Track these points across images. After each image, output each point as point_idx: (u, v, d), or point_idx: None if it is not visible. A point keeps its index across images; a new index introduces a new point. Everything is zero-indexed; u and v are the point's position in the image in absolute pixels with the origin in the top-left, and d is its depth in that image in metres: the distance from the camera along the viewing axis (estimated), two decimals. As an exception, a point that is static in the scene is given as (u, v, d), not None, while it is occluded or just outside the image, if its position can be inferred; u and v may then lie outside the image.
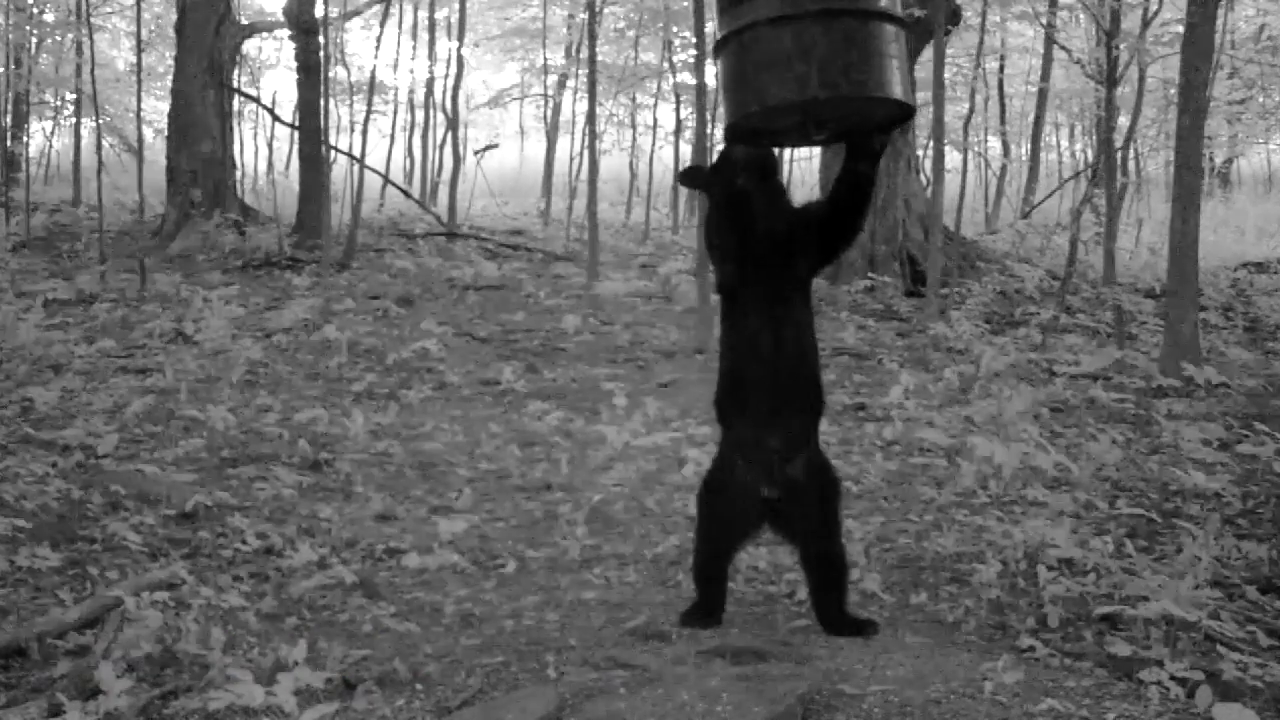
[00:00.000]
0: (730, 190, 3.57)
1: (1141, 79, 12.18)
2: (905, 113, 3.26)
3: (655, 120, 19.97)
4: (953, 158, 18.25)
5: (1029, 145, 18.65)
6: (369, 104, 15.22)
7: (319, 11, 13.21)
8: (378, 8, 16.52)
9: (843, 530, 3.83)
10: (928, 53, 11.21)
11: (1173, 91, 13.45)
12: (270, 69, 22.14)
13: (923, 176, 13.19)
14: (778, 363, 3.56)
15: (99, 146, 13.56)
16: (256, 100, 17.92)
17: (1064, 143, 23.68)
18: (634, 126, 20.00)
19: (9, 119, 17.00)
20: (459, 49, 18.20)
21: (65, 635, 3.62)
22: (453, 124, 17.42)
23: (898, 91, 3.13)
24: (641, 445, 6.10)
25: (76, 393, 6.97)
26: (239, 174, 15.02)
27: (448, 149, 17.60)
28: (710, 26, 9.83)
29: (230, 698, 3.03)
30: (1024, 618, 3.86)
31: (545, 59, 19.62)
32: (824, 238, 3.59)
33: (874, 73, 3.08)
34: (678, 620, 3.76)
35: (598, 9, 12.63)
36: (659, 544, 4.69)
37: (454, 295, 10.91)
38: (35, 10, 17.80)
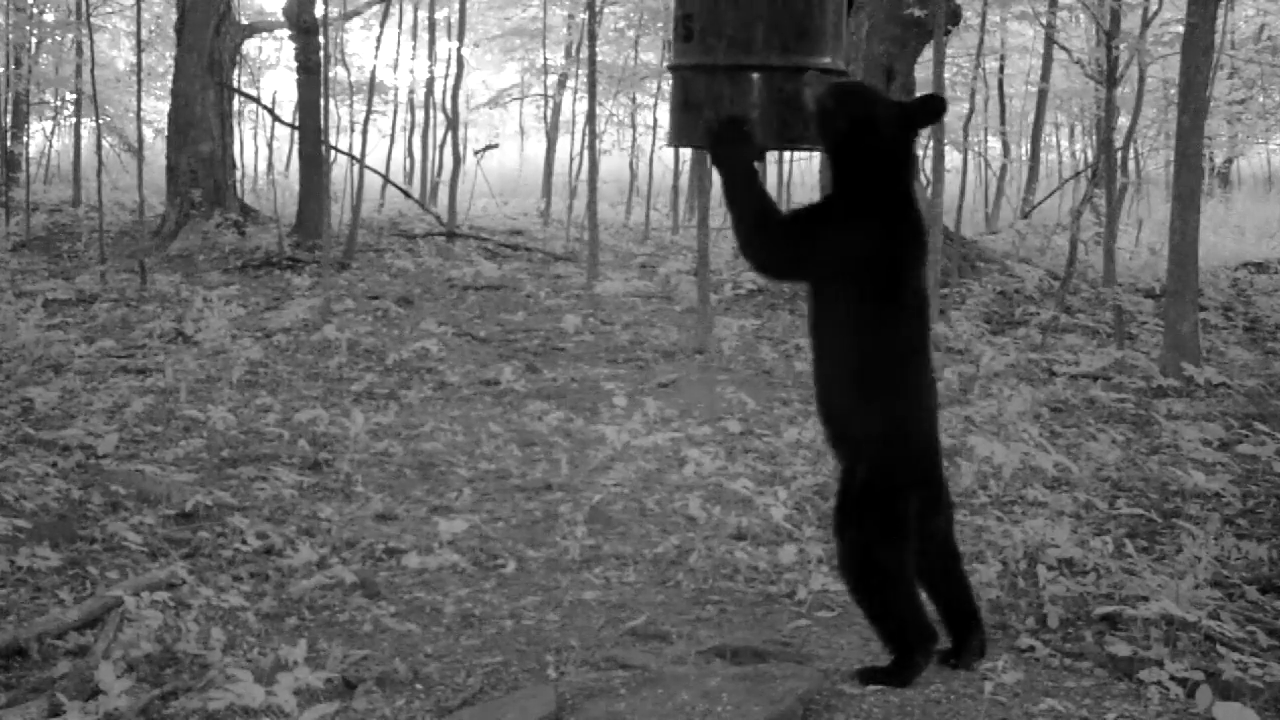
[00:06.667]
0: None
1: (1141, 79, 12.17)
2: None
3: (655, 120, 19.96)
4: (953, 158, 18.24)
5: (1029, 145, 18.64)
6: (369, 104, 15.21)
7: (319, 11, 13.19)
8: (378, 8, 16.51)
9: (882, 569, 3.24)
10: (928, 53, 11.21)
11: (1173, 91, 13.45)
12: (270, 69, 22.13)
13: (923, 176, 13.18)
14: (815, 367, 3.37)
15: (99, 146, 13.55)
16: (256, 100, 17.92)
17: (1064, 143, 23.67)
18: (634, 126, 20.00)
19: (9, 119, 16.98)
20: (459, 49, 18.19)
21: (65, 635, 3.63)
22: (453, 124, 17.42)
23: (795, 139, 3.39)
24: (641, 445, 6.10)
25: (76, 393, 6.97)
26: (239, 174, 15.00)
27: (448, 149, 17.59)
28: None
29: (230, 698, 3.03)
30: (1024, 618, 3.86)
31: (545, 59, 19.61)
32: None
33: (773, 123, 3.31)
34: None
35: (598, 9, 12.64)
36: (659, 544, 4.69)
37: (454, 295, 10.90)
38: (35, 10, 17.79)
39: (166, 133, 14.32)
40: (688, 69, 3.36)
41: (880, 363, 3.22)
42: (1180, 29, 8.65)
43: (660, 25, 17.38)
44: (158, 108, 20.18)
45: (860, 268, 3.18)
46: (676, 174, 17.23)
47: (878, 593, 3.24)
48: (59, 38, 18.45)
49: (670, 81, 3.51)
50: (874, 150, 3.19)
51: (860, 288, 3.18)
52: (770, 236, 3.23)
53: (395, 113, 21.50)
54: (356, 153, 14.85)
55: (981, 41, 16.43)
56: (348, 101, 18.68)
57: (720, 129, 3.23)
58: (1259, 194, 22.11)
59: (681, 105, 3.40)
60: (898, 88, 11.28)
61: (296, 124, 13.96)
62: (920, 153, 14.02)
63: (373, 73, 15.80)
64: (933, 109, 3.29)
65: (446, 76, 19.07)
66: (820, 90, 3.21)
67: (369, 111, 15.03)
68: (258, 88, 20.90)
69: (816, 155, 13.90)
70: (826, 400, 3.29)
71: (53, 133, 20.92)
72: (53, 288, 10.56)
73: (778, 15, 3.26)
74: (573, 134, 19.34)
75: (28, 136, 19.00)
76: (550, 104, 20.01)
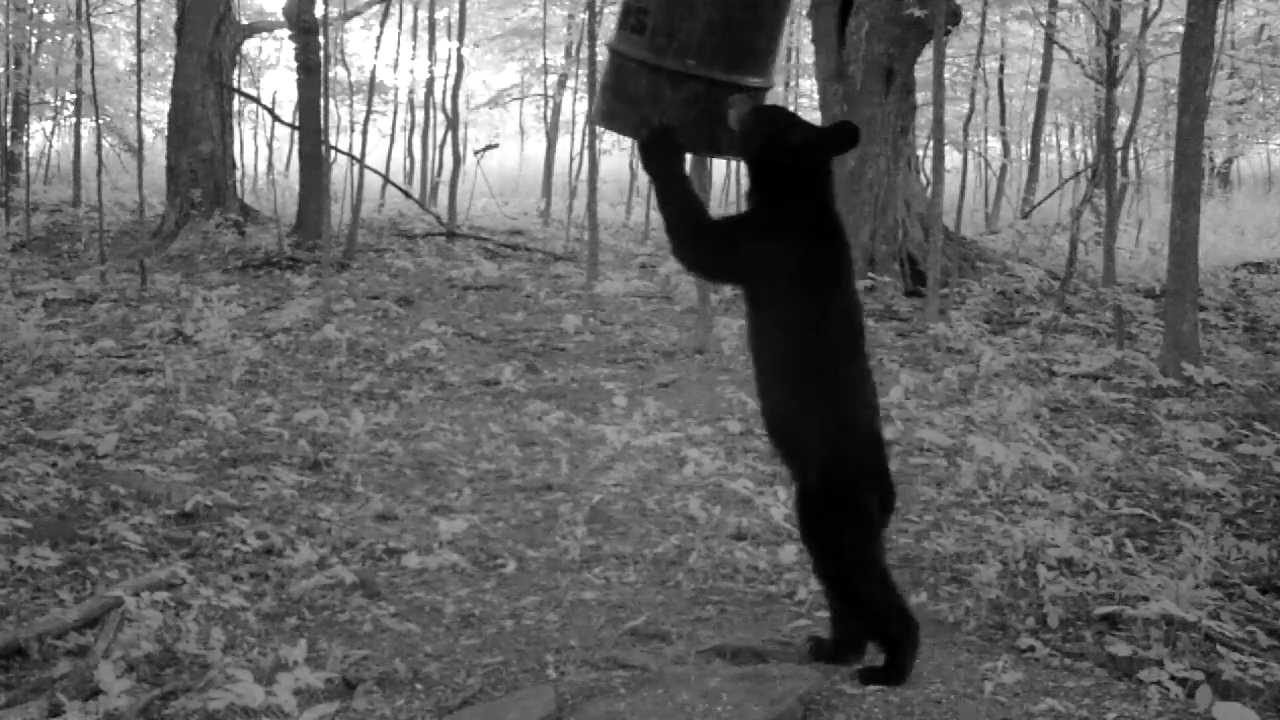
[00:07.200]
0: None
1: (1141, 79, 12.17)
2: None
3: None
4: (953, 158, 18.25)
5: (1029, 145, 18.65)
6: (369, 104, 15.21)
7: (319, 11, 13.20)
8: (378, 8, 16.52)
9: (856, 568, 3.29)
10: (928, 53, 11.21)
11: (1173, 91, 13.45)
12: (270, 69, 22.15)
13: (923, 176, 13.19)
14: (757, 379, 3.46)
15: (99, 146, 13.56)
16: (256, 100, 17.92)
17: (1064, 143, 23.68)
18: (634, 126, 19.96)
19: (9, 119, 16.98)
20: (459, 49, 18.20)
21: (65, 635, 3.63)
22: (453, 124, 17.42)
23: (721, 150, 3.55)
24: (641, 445, 6.10)
25: (76, 393, 6.97)
26: (239, 174, 15.01)
27: (448, 149, 17.59)
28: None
29: (230, 698, 3.03)
30: (1024, 618, 3.86)
31: (545, 59, 19.62)
32: None
33: (704, 132, 3.43)
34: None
35: (598, 9, 12.62)
36: (659, 544, 4.69)
37: (454, 295, 10.90)
38: (35, 10, 17.79)
39: (166, 133, 14.32)
40: (633, 60, 3.41)
41: (817, 366, 3.31)
42: (1180, 29, 8.65)
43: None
44: (158, 108, 20.19)
45: (784, 271, 3.31)
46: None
47: (857, 593, 3.30)
48: (59, 38, 18.44)
49: (608, 60, 3.56)
50: (792, 166, 3.34)
51: (788, 293, 3.31)
52: (700, 240, 3.45)
53: (395, 113, 21.51)
54: (356, 153, 14.85)
55: (981, 41, 16.45)
56: (348, 101, 18.68)
57: (651, 138, 3.39)
58: (1259, 194, 22.11)
59: (617, 91, 3.48)
60: (898, 88, 11.29)
61: (296, 124, 13.96)
62: (920, 153, 14.06)
63: (373, 73, 15.80)
64: (845, 137, 3.41)
65: (446, 76, 19.09)
66: (744, 110, 3.38)
67: (369, 111, 15.03)
68: (258, 88, 20.91)
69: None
70: (770, 410, 3.40)
71: (53, 133, 20.92)
72: (53, 288, 10.56)
73: (729, 33, 3.35)
74: (573, 134, 19.35)
75: (28, 136, 19.00)
76: (550, 104, 20.01)
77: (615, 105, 3.50)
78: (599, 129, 13.00)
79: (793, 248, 3.31)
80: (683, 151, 3.46)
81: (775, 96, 18.12)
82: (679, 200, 3.42)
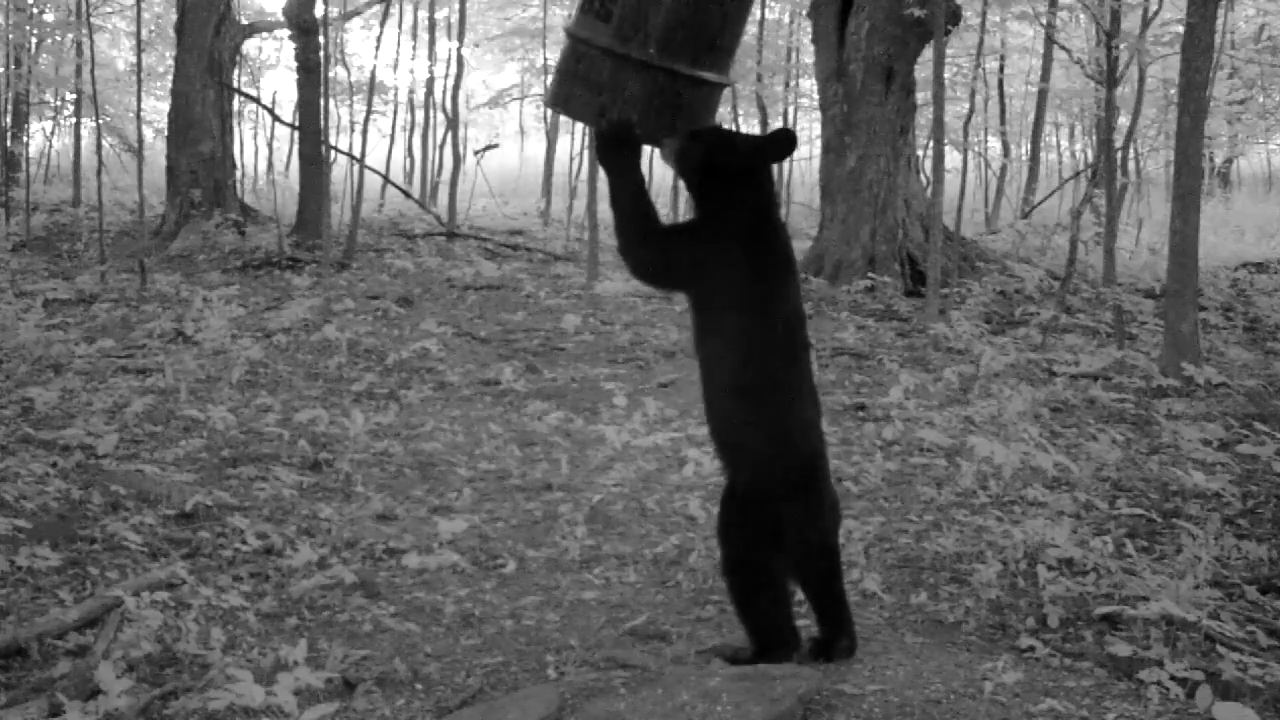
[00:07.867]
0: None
1: (1141, 79, 12.17)
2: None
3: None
4: (953, 158, 18.25)
5: (1029, 145, 18.65)
6: (369, 104, 15.21)
7: (319, 11, 13.20)
8: (378, 8, 16.52)
9: (754, 575, 3.44)
10: (928, 53, 11.22)
11: (1173, 91, 13.46)
12: (270, 69, 22.15)
13: (923, 176, 13.19)
14: (702, 381, 3.50)
15: (99, 146, 13.54)
16: (256, 100, 17.92)
17: (1064, 143, 23.69)
18: (634, 126, 19.94)
19: (9, 119, 16.98)
20: (459, 49, 18.20)
21: (65, 635, 3.63)
22: (453, 124, 17.42)
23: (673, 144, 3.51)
24: (641, 445, 6.10)
25: (76, 393, 6.97)
26: (239, 174, 15.01)
27: (448, 149, 17.60)
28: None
29: (230, 698, 3.03)
30: (1024, 618, 3.86)
31: (545, 59, 19.61)
32: None
33: (663, 127, 3.42)
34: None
35: (598, 9, 12.65)
36: (659, 544, 4.69)
37: (454, 295, 10.90)
38: (35, 10, 17.78)
39: (166, 133, 14.32)
40: (596, 47, 3.37)
41: (756, 375, 3.35)
42: (1180, 29, 8.64)
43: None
44: (158, 108, 20.20)
45: (726, 280, 3.34)
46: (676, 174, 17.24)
47: (749, 597, 3.42)
48: (59, 38, 18.44)
49: (567, 44, 3.51)
50: (734, 172, 3.37)
51: (729, 303, 3.34)
52: (649, 244, 3.46)
53: (395, 113, 21.52)
54: (356, 153, 14.86)
55: (981, 41, 16.44)
56: (348, 101, 18.69)
57: (611, 131, 3.38)
58: (1259, 194, 22.13)
59: (576, 77, 3.44)
60: (898, 88, 11.29)
61: (296, 124, 13.96)
62: (920, 153, 14.06)
63: (373, 73, 15.80)
64: (784, 143, 3.44)
65: (446, 76, 19.10)
66: (677, 145, 3.41)
67: (369, 111, 15.03)
68: (258, 88, 20.92)
69: (817, 155, 13.90)
70: (711, 413, 3.45)
71: (53, 133, 20.92)
72: (53, 288, 10.55)
73: (695, 26, 3.34)
74: (573, 134, 19.34)
75: (28, 136, 18.99)
76: (550, 104, 19.97)
77: (574, 90, 3.45)
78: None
79: (734, 256, 3.33)
80: (640, 146, 3.44)
81: (775, 96, 18.14)
82: (632, 201, 3.43)
